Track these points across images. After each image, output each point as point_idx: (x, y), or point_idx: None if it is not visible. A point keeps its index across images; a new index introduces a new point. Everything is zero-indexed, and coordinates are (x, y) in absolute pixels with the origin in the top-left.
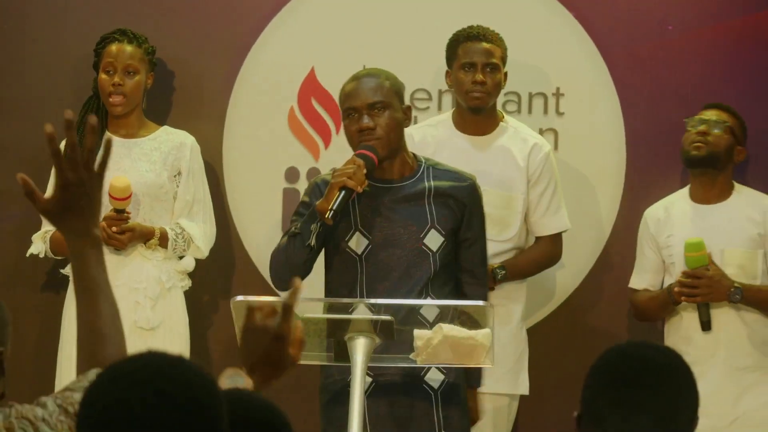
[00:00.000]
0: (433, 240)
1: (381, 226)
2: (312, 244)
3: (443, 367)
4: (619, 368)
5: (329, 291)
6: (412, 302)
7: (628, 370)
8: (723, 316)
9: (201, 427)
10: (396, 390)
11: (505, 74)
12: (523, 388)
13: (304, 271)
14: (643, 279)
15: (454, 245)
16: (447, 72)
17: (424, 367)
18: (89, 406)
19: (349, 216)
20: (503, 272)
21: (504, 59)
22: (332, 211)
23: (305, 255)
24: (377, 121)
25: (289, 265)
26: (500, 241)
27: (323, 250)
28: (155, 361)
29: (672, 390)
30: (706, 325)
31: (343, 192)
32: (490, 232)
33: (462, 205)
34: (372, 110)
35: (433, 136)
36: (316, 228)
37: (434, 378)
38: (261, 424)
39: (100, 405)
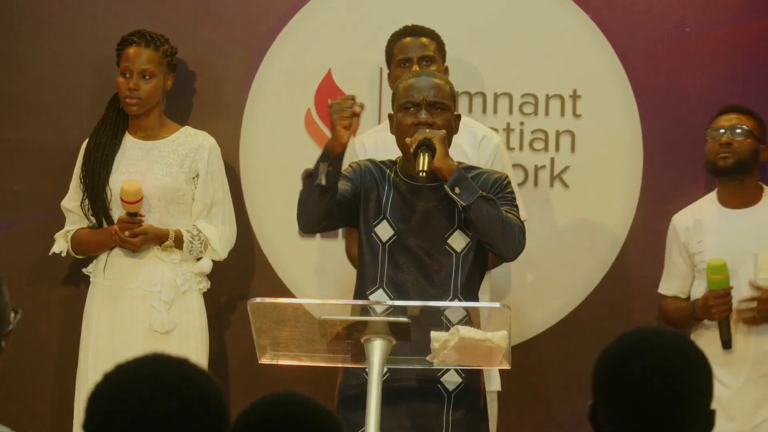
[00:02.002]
0: (458, 241)
1: (407, 220)
2: (322, 183)
3: (462, 370)
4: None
5: (361, 269)
6: (426, 304)
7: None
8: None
9: (207, 421)
10: (409, 390)
11: (446, 69)
12: (496, 384)
13: (321, 213)
14: (672, 285)
15: (482, 248)
16: (388, 74)
17: (441, 369)
18: (97, 400)
19: (380, 202)
20: None
21: (441, 53)
22: (424, 172)
23: (317, 194)
24: (434, 120)
25: (304, 204)
26: None
27: (359, 228)
28: (162, 359)
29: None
30: (727, 344)
31: (426, 156)
32: None
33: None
34: (431, 108)
35: (383, 140)
36: (325, 168)
37: (450, 380)
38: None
39: (107, 397)
